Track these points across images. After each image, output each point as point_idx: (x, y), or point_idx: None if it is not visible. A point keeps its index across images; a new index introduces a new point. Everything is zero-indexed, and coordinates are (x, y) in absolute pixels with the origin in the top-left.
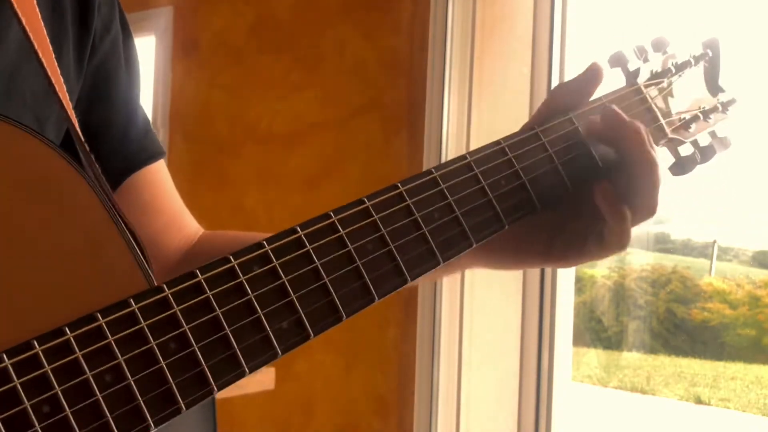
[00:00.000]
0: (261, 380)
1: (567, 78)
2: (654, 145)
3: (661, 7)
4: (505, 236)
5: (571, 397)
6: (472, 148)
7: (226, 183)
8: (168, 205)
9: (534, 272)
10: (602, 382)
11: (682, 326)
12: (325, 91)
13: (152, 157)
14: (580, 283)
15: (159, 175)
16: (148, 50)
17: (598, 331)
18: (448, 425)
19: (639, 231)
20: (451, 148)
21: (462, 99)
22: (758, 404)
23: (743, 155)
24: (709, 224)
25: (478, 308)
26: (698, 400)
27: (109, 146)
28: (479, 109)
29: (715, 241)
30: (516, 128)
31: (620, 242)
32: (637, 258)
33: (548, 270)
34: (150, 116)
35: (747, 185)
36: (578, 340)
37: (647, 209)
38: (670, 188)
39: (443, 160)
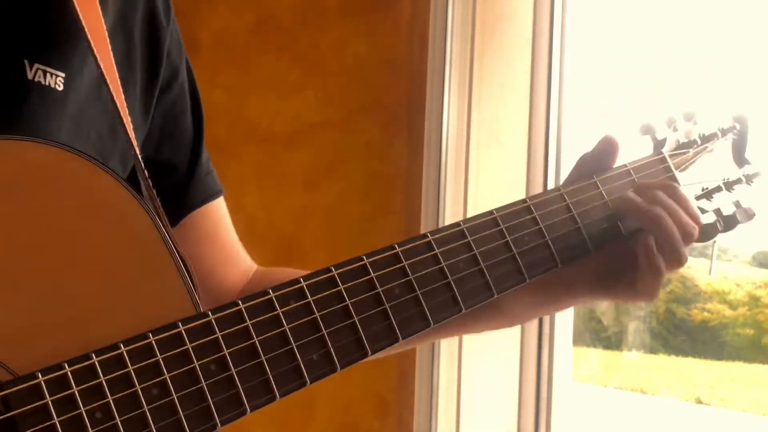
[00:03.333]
0: None
1: (566, 78)
2: (666, 201)
3: (661, 6)
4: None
5: (571, 397)
6: (472, 148)
7: (226, 183)
8: (225, 240)
9: None
10: (602, 382)
11: (682, 326)
12: (325, 91)
13: (212, 195)
14: None
15: (218, 212)
16: None
17: (598, 331)
18: (448, 425)
19: None
20: (451, 148)
21: (462, 99)
22: (758, 404)
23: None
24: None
25: None
26: (698, 400)
27: (174, 184)
28: (479, 109)
29: (715, 241)
30: (516, 128)
31: (651, 293)
32: None
33: None
34: None
35: (747, 185)
36: (578, 340)
37: (675, 261)
38: None
39: (443, 161)
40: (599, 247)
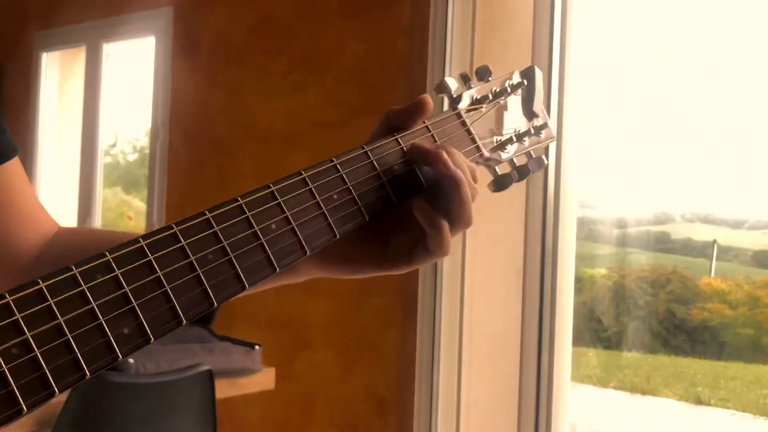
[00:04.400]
0: (261, 380)
1: (566, 78)
2: (463, 165)
3: (660, 6)
4: (343, 247)
5: (570, 397)
6: None
7: (226, 183)
8: (24, 202)
9: (534, 272)
10: (602, 382)
11: (682, 326)
12: (325, 91)
13: (6, 155)
14: (580, 283)
15: (14, 173)
16: (148, 50)
17: (598, 331)
18: (448, 425)
19: (639, 231)
20: None
21: None
22: (758, 404)
23: (743, 156)
24: (709, 224)
25: (478, 308)
26: (698, 400)
27: None
28: None
29: (715, 241)
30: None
31: (441, 249)
32: (637, 258)
33: (548, 270)
34: (150, 116)
35: (747, 185)
36: (578, 340)
37: (462, 220)
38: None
39: None
40: (404, 202)
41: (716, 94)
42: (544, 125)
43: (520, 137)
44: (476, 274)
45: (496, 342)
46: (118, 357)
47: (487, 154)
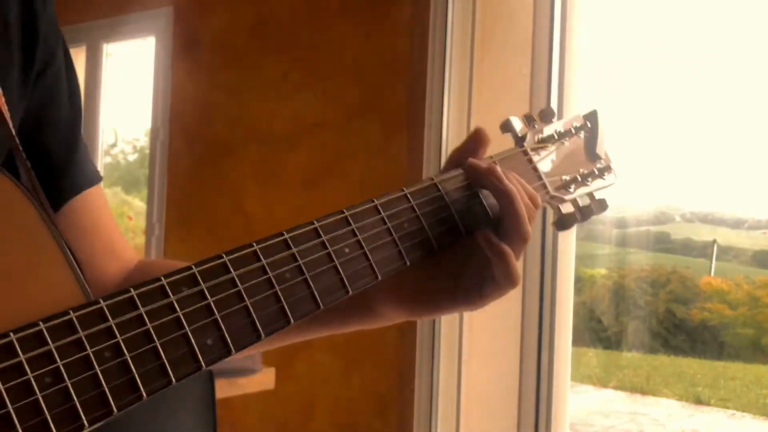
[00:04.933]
0: (261, 380)
1: (566, 78)
2: (518, 184)
3: (661, 6)
4: (418, 286)
5: (570, 397)
6: None
7: (226, 183)
8: (104, 230)
9: (534, 272)
10: (602, 382)
11: (682, 326)
12: (325, 92)
13: (92, 182)
14: (580, 283)
15: (97, 201)
16: (148, 50)
17: (597, 331)
18: (448, 425)
19: (639, 231)
20: (451, 148)
21: (462, 99)
22: (758, 404)
23: (743, 156)
24: (709, 224)
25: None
26: (698, 400)
27: (50, 171)
28: (479, 109)
29: (715, 241)
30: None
31: (509, 279)
32: (636, 258)
33: (548, 270)
34: (150, 116)
35: (747, 186)
36: (578, 340)
37: (518, 234)
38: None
39: (443, 161)
40: (472, 233)
41: (716, 94)
42: (608, 168)
43: (584, 178)
44: None
45: (496, 342)
46: (202, 366)
47: (552, 191)
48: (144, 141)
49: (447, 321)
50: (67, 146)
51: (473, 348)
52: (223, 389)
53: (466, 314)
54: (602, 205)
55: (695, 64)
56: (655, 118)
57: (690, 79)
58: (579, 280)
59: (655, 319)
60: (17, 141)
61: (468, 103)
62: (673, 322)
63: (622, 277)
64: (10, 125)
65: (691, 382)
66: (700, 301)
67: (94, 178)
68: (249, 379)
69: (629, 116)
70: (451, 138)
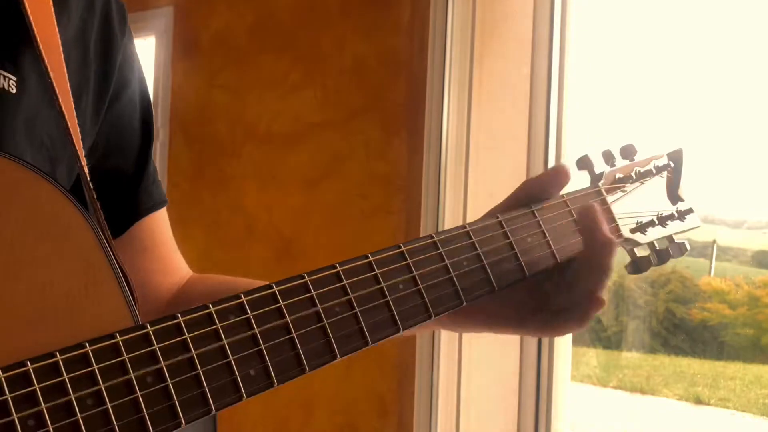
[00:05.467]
0: None
1: (567, 79)
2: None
3: (661, 6)
4: (501, 313)
5: (570, 397)
6: (472, 148)
7: (226, 183)
8: (164, 251)
9: None
10: (602, 382)
11: (682, 326)
12: (325, 91)
13: (157, 205)
14: None
15: (161, 223)
16: (148, 50)
17: (597, 330)
18: (448, 425)
19: None
20: (451, 148)
21: (462, 99)
22: (758, 404)
23: (743, 156)
24: (709, 224)
25: None
26: (698, 400)
27: (120, 193)
28: (479, 109)
29: (714, 241)
30: (516, 128)
31: (586, 320)
32: None
33: None
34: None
35: (747, 185)
36: (578, 340)
37: (606, 279)
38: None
39: (443, 161)
40: (535, 274)
41: (716, 94)
42: (689, 210)
43: (662, 221)
44: None
45: (496, 342)
46: (243, 397)
47: (626, 234)
48: None
49: None
50: (136, 170)
51: (473, 348)
52: None
53: None
54: (682, 249)
55: (695, 62)
56: (655, 118)
57: (690, 79)
58: None
59: (655, 319)
60: (83, 164)
61: (468, 103)
62: (673, 322)
63: (622, 277)
64: (80, 152)
65: (691, 382)
66: (700, 301)
67: (161, 202)
68: None
69: (629, 116)
70: (451, 138)
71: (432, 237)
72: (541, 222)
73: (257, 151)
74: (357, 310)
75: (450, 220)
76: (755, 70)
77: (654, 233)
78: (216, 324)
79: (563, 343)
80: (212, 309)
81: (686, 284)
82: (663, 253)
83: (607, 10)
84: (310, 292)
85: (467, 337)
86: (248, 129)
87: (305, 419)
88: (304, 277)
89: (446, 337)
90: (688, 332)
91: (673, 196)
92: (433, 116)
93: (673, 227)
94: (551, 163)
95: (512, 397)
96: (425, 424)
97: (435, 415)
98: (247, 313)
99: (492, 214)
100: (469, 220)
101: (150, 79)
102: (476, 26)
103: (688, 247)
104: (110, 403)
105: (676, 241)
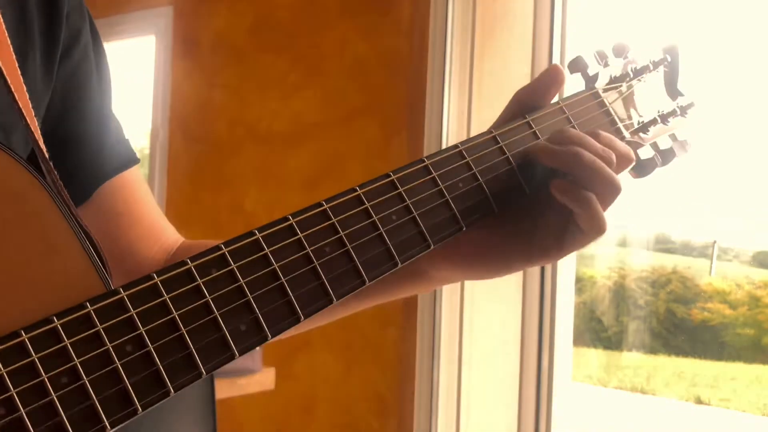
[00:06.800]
0: (261, 380)
1: (566, 77)
2: (603, 138)
3: (660, 6)
4: (480, 249)
5: (571, 397)
6: None
7: (226, 183)
8: (144, 213)
9: (534, 272)
10: (602, 382)
11: (682, 326)
12: (325, 91)
13: (125, 165)
14: (580, 283)
15: (133, 183)
16: (148, 50)
17: (598, 331)
18: (448, 425)
19: (638, 231)
20: None
21: (462, 99)
22: (758, 404)
23: (743, 156)
24: (709, 224)
25: (478, 308)
26: (698, 400)
27: (82, 155)
28: (479, 109)
29: (715, 241)
30: None
31: (597, 226)
32: (637, 258)
33: (548, 270)
34: (150, 116)
35: (747, 185)
36: (578, 340)
37: (611, 189)
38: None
39: None
40: (536, 188)
41: (716, 95)
42: (691, 104)
43: (664, 118)
44: None
45: (496, 342)
46: (235, 355)
47: (628, 136)
48: (144, 141)
49: (447, 321)
50: (96, 128)
51: (473, 348)
52: (223, 389)
53: (466, 314)
54: (684, 146)
55: (696, 62)
56: None
57: (690, 79)
58: (579, 280)
59: (656, 319)
60: (34, 129)
61: (468, 103)
62: (674, 322)
63: (623, 277)
64: (29, 114)
65: (692, 382)
66: (701, 302)
67: (128, 161)
68: (249, 379)
69: None
70: (451, 138)
71: (423, 161)
72: (537, 132)
73: (257, 151)
74: (349, 246)
75: None
76: (755, 71)
77: (656, 132)
78: (197, 280)
79: (564, 344)
80: (191, 265)
81: (687, 284)
82: (667, 152)
83: (607, 10)
84: (296, 234)
85: (467, 337)
86: (248, 129)
87: (305, 419)
88: (288, 219)
89: (446, 337)
90: (688, 332)
91: (673, 91)
92: (433, 116)
93: (675, 124)
94: None
95: (512, 397)
96: (425, 424)
97: (435, 415)
98: (230, 265)
99: (486, 130)
100: None
101: (150, 79)
102: (476, 26)
103: (691, 145)
104: (87, 377)
105: (678, 138)
